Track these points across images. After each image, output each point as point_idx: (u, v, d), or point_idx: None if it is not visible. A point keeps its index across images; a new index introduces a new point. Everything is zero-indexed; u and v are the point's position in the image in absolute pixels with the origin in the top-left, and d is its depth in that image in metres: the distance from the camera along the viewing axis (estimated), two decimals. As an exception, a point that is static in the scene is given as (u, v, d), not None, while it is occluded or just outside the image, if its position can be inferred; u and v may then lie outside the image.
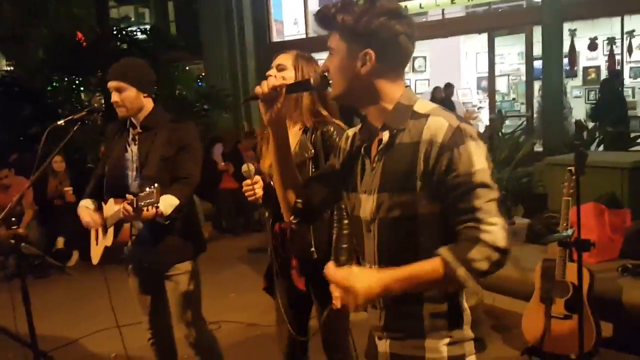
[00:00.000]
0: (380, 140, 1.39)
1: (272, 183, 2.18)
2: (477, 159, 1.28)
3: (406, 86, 1.42)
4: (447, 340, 1.39)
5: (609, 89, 7.83)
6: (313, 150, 2.15)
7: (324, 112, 2.18)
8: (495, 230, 1.25)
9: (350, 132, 1.57)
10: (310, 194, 1.57)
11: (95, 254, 2.58)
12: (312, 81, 1.48)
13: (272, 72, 2.19)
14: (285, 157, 1.56)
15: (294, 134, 2.18)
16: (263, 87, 1.45)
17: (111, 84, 2.45)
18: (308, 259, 2.17)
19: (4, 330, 3.02)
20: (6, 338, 3.05)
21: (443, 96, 9.30)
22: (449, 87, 9.69)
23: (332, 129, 2.14)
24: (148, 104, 2.53)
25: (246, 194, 2.13)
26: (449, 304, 1.38)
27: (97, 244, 2.58)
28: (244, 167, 2.11)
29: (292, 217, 1.60)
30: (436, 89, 9.62)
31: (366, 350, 1.61)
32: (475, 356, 1.41)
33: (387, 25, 1.32)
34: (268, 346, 2.90)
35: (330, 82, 1.41)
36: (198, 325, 2.65)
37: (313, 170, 2.13)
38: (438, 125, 1.31)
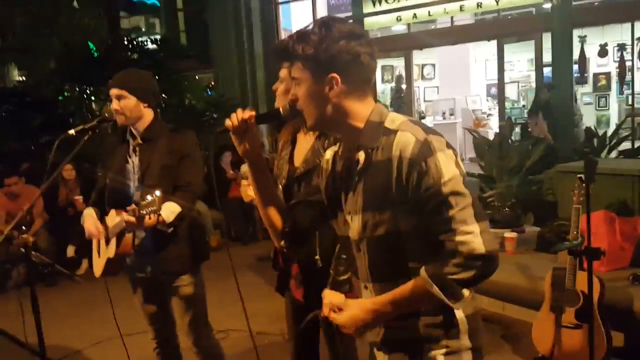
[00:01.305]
0: (358, 161, 1.41)
1: (280, 188, 2.18)
2: (446, 169, 1.30)
3: (376, 101, 1.44)
4: (443, 350, 1.41)
5: None
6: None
7: None
8: (470, 239, 1.27)
9: (329, 153, 1.58)
10: (297, 217, 1.59)
11: (98, 266, 2.57)
12: (281, 111, 1.49)
13: (280, 86, 2.18)
14: (265, 185, 1.58)
15: (308, 139, 2.18)
16: (233, 120, 1.47)
17: (112, 92, 2.48)
18: (312, 267, 2.16)
19: (13, 338, 3.04)
20: (15, 346, 3.06)
21: (547, 97, 8.70)
22: (552, 88, 8.79)
23: None
24: (148, 114, 2.54)
25: (242, 194, 2.13)
26: (444, 315, 1.40)
27: (99, 255, 2.58)
28: (243, 167, 2.11)
29: (282, 242, 1.62)
30: (540, 89, 8.80)
31: None
32: None
33: (347, 47, 1.34)
34: (276, 355, 2.90)
35: (300, 110, 1.42)
36: (204, 334, 2.65)
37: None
38: (405, 140, 1.33)
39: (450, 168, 1.30)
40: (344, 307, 1.39)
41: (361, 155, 1.40)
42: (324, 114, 1.40)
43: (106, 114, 2.52)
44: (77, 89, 8.19)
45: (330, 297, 1.45)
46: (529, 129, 7.77)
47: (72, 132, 2.44)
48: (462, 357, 1.42)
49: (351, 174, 1.45)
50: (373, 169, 1.38)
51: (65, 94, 8.33)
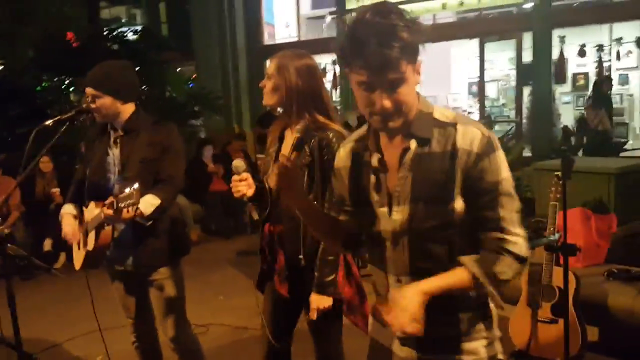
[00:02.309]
0: (406, 150, 1.35)
1: (267, 185, 2.17)
2: (503, 168, 1.32)
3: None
4: (484, 341, 1.43)
5: None
6: (309, 157, 2.09)
7: (321, 119, 2.11)
8: (519, 241, 1.31)
9: (344, 149, 1.51)
10: (347, 228, 1.54)
11: (78, 258, 2.54)
12: (300, 136, 1.58)
13: (267, 83, 2.17)
14: (317, 217, 1.55)
15: (292, 139, 2.17)
16: (278, 178, 1.41)
17: (87, 91, 2.42)
18: (295, 265, 2.16)
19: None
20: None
21: (605, 90, 8.33)
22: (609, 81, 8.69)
23: (330, 135, 2.08)
24: (127, 109, 2.48)
25: (232, 190, 2.11)
26: (481, 307, 1.43)
27: (78, 248, 2.55)
28: (235, 163, 2.07)
29: (345, 252, 1.64)
30: (600, 82, 8.55)
31: (369, 357, 1.59)
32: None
33: (422, 27, 1.33)
34: (256, 349, 2.90)
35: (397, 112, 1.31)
36: (181, 328, 2.63)
37: (307, 177, 2.08)
38: (472, 134, 1.31)
39: (505, 168, 1.33)
40: (391, 302, 1.29)
41: (412, 144, 1.34)
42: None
43: (84, 105, 2.48)
44: (56, 79, 8.04)
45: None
46: (588, 121, 7.75)
47: (49, 122, 2.39)
48: (495, 348, 1.45)
49: (385, 166, 1.39)
50: (428, 160, 1.33)
51: (44, 84, 8.16)
